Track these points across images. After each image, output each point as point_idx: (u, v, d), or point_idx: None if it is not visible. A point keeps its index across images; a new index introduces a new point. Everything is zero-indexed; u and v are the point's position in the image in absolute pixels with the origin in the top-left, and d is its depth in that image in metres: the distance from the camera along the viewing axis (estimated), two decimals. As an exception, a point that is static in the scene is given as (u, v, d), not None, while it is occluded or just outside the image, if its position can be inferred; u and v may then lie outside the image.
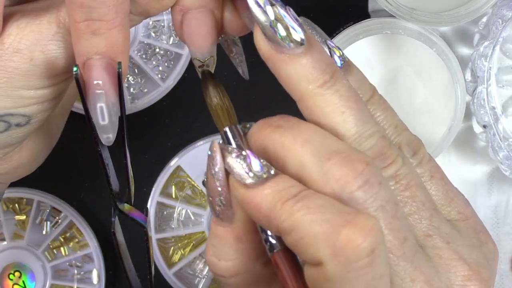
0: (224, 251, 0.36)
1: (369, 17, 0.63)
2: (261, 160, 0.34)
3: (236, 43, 0.42)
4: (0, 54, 0.38)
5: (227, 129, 0.36)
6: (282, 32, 0.34)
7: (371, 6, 0.64)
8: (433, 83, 0.60)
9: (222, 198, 0.35)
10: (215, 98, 0.38)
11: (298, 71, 0.34)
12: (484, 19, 0.60)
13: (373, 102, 0.37)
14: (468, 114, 0.62)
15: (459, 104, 0.59)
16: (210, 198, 0.36)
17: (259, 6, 0.34)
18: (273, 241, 0.35)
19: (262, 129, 0.35)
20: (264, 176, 0.34)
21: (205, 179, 0.36)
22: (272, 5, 0.34)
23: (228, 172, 0.35)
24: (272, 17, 0.34)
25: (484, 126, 0.58)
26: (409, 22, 0.57)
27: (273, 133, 0.34)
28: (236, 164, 0.34)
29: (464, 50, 0.64)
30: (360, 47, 0.59)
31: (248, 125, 0.37)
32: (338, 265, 0.31)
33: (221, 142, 0.36)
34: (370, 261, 0.31)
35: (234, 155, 0.34)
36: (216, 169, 0.35)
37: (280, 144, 0.34)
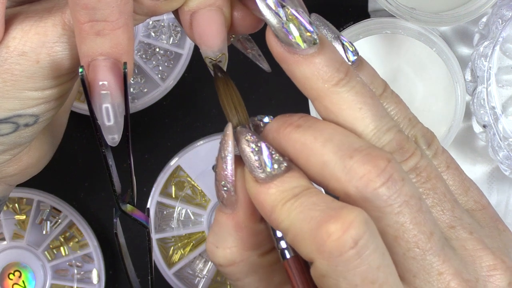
0: (223, 239, 0.36)
1: (369, 17, 0.63)
2: (273, 155, 0.34)
3: (249, 40, 0.42)
4: (5, 57, 0.38)
5: (238, 128, 0.36)
6: (295, 33, 0.34)
7: (371, 6, 0.64)
8: (433, 83, 0.60)
9: (228, 182, 0.36)
10: (223, 96, 0.38)
11: (313, 71, 0.35)
12: (484, 19, 0.60)
13: (386, 96, 0.37)
14: (468, 114, 0.62)
15: (459, 104, 0.59)
16: (217, 183, 0.36)
17: (270, 8, 0.35)
18: (283, 246, 0.35)
19: (282, 127, 0.35)
20: (273, 172, 0.34)
21: (214, 165, 0.36)
22: (282, 6, 0.35)
23: (238, 159, 0.35)
24: (284, 19, 0.34)
25: (484, 126, 0.58)
26: (409, 22, 0.57)
27: (293, 132, 0.35)
28: (251, 155, 0.34)
29: (464, 50, 0.64)
30: (360, 47, 0.59)
31: (265, 119, 0.37)
32: (324, 260, 0.31)
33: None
34: (356, 252, 0.31)
35: (252, 145, 0.35)
36: (226, 153, 0.35)
37: (301, 144, 0.34)
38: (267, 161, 0.34)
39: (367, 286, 0.32)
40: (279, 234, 0.35)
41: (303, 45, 0.34)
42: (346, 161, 0.33)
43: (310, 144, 0.34)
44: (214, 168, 0.36)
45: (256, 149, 0.34)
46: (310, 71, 0.35)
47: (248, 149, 0.35)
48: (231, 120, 0.37)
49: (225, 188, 0.36)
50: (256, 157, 0.34)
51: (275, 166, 0.34)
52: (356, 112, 0.35)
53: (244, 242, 0.36)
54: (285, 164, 0.34)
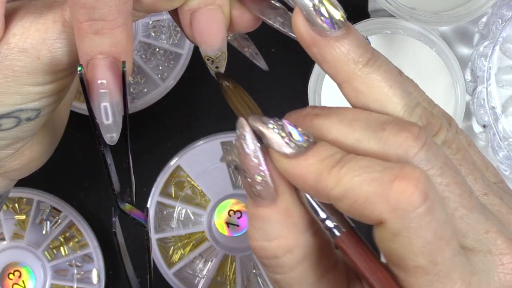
0: (274, 230, 0.35)
1: (369, 17, 0.63)
2: (299, 129, 0.34)
3: (246, 39, 0.43)
4: (6, 54, 0.38)
5: (250, 117, 0.35)
6: (326, 15, 0.34)
7: (371, 6, 0.64)
8: (433, 83, 0.60)
9: (262, 173, 0.35)
10: (236, 102, 0.37)
11: (344, 53, 0.35)
12: (484, 19, 0.60)
13: (405, 78, 0.37)
14: (468, 114, 0.62)
15: (459, 104, 0.59)
16: (249, 180, 0.35)
17: None
18: (331, 225, 0.35)
19: (299, 118, 0.35)
20: (305, 145, 0.34)
21: (236, 164, 0.35)
22: None
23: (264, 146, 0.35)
24: (315, 1, 0.34)
25: (484, 126, 0.58)
26: (409, 22, 0.57)
27: (314, 120, 0.35)
28: (275, 135, 0.34)
29: (464, 50, 0.64)
30: (360, 47, 0.59)
31: (280, 122, 0.37)
32: (398, 218, 0.31)
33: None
34: (428, 207, 0.31)
35: (271, 125, 0.34)
36: (250, 146, 0.34)
37: (326, 128, 0.34)
38: (295, 133, 0.34)
39: (437, 242, 0.32)
40: (322, 215, 0.35)
41: (335, 27, 0.34)
42: (380, 133, 0.33)
43: (337, 126, 0.34)
44: (237, 168, 0.35)
45: (280, 126, 0.34)
46: (341, 53, 0.34)
47: (269, 129, 0.34)
48: (246, 117, 0.36)
49: (259, 179, 0.35)
50: (283, 134, 0.34)
51: (305, 137, 0.34)
52: (386, 91, 0.35)
53: (297, 226, 0.36)
54: (312, 137, 0.34)
